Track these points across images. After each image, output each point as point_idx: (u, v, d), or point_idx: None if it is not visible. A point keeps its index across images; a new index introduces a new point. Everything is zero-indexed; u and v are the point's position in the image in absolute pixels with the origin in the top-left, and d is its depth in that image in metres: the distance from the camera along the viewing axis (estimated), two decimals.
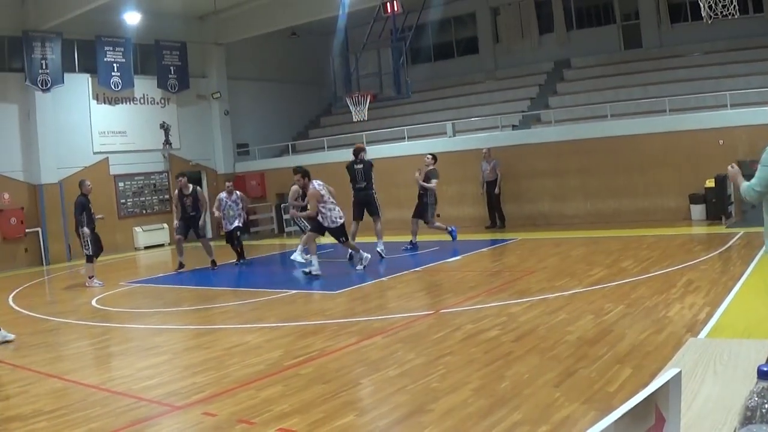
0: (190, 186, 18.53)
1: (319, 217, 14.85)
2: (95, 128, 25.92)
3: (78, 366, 9.55)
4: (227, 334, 10.48)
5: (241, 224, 18.51)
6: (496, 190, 21.62)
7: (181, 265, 18.33)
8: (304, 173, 14.98)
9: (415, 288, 12.83)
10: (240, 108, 30.41)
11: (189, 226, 18.41)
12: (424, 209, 18.45)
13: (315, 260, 15.01)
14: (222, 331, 10.58)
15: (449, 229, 18.76)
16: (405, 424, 5.92)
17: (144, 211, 27.38)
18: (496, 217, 22.01)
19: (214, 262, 18.38)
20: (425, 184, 18.16)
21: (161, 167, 28.01)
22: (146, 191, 27.51)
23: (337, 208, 15.05)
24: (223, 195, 18.52)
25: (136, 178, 27.17)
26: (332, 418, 6.21)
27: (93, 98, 25.93)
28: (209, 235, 21.25)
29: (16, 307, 14.35)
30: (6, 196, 23.25)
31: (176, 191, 18.59)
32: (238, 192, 18.85)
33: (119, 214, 26.48)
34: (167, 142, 28.15)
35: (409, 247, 18.17)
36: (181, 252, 18.49)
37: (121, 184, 26.60)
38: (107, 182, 26.00)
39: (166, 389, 7.70)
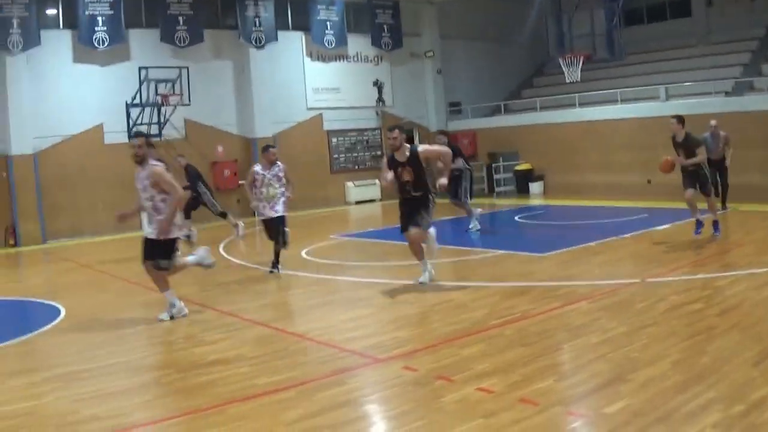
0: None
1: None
2: (309, 85, 26.51)
3: (283, 315, 9.72)
4: (432, 290, 10.40)
5: (284, 211, 12.83)
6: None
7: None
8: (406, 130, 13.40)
9: (621, 255, 12.44)
10: (452, 67, 30.26)
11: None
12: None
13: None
14: (427, 288, 10.48)
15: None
16: (602, 393, 5.78)
17: (356, 167, 27.77)
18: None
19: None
20: None
21: (374, 124, 28.28)
22: (359, 147, 27.90)
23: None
24: (258, 168, 12.91)
25: (349, 134, 27.67)
26: (531, 380, 6.16)
27: (307, 55, 26.56)
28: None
29: (227, 256, 14.73)
30: (220, 149, 24.16)
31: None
32: (280, 163, 12.96)
33: (332, 168, 27.09)
34: (380, 99, 28.37)
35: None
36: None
37: (334, 140, 27.11)
38: (320, 137, 26.64)
39: (369, 342, 7.82)
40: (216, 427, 5.61)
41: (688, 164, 12.78)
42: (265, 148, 12.99)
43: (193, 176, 17.81)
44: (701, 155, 12.79)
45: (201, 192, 17.77)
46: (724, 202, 17.13)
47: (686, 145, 12.80)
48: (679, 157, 12.99)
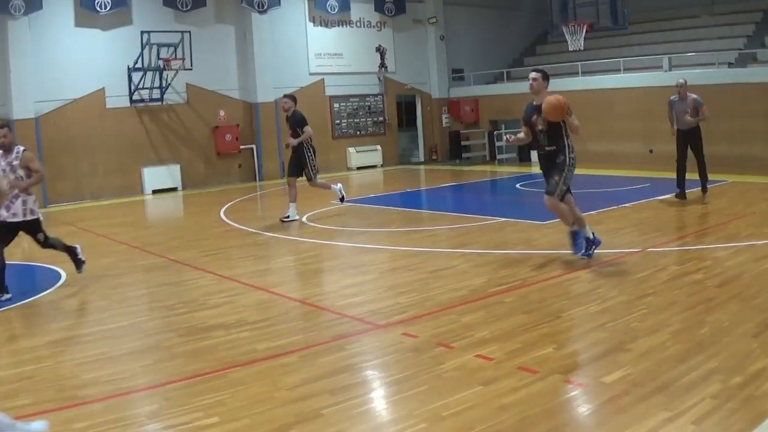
0: None
1: None
2: (311, 50, 26.32)
3: (284, 280, 9.73)
4: (433, 257, 10.49)
5: (32, 214, 9.76)
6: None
7: None
8: None
9: (622, 224, 12.41)
10: (455, 33, 30.05)
11: None
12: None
13: None
14: (428, 254, 10.56)
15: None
16: (602, 362, 5.81)
17: (358, 132, 27.63)
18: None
19: None
20: None
21: (376, 90, 28.13)
22: (361, 113, 27.78)
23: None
24: None
25: (351, 99, 27.49)
26: (530, 348, 6.19)
27: (309, 20, 26.35)
28: None
29: (227, 220, 14.76)
30: (222, 113, 24.05)
31: None
32: (20, 147, 9.46)
33: (333, 134, 26.94)
34: (383, 65, 28.20)
35: None
36: None
37: (336, 105, 27.00)
38: (323, 103, 26.50)
39: (369, 307, 7.87)
40: (217, 391, 5.63)
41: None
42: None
43: None
44: None
45: None
46: (704, 185, 14.86)
47: None
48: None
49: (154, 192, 22.54)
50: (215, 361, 6.36)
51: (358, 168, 27.03)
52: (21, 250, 13.59)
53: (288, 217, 14.30)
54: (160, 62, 22.01)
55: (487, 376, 5.59)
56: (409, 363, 6.05)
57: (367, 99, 28.00)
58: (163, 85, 22.66)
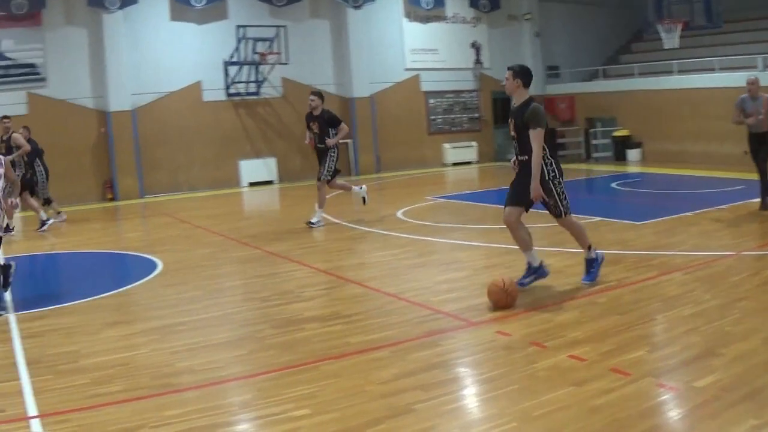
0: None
1: None
2: (407, 45, 26.27)
3: (378, 274, 9.67)
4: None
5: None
6: None
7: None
8: None
9: (716, 226, 12.01)
10: (550, 30, 29.68)
11: None
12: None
13: None
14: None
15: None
16: (694, 366, 5.64)
17: (453, 129, 27.45)
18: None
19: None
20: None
21: (471, 86, 27.94)
22: (456, 109, 27.63)
23: None
24: None
25: (446, 95, 27.37)
26: (623, 350, 6.05)
27: (405, 16, 26.27)
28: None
29: (324, 215, 14.75)
30: None
31: None
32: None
33: (429, 130, 26.82)
34: (478, 61, 27.97)
35: None
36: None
37: (431, 101, 26.93)
38: (418, 98, 26.49)
39: (463, 304, 7.74)
40: (308, 383, 5.60)
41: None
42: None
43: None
44: None
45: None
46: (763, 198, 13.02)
47: None
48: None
49: (251, 185, 22.78)
50: (308, 353, 6.34)
51: (454, 164, 26.87)
52: (115, 240, 13.86)
53: (315, 222, 13.65)
54: (256, 56, 22.24)
55: (579, 377, 5.47)
56: (501, 361, 5.96)
57: (462, 95, 27.83)
58: (260, 78, 22.88)
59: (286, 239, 12.49)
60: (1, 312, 8.24)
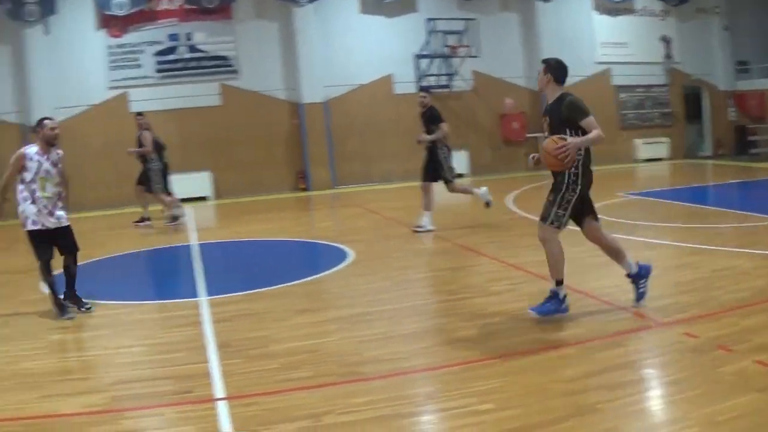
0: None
1: None
2: (597, 39, 25.75)
3: (569, 271, 9.44)
4: (718, 255, 9.92)
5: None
6: None
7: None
8: None
9: None
10: (740, 24, 28.31)
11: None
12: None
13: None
14: (713, 252, 9.99)
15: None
16: None
17: (644, 124, 26.74)
18: None
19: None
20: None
21: (661, 80, 27.14)
22: (647, 104, 26.90)
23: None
24: (31, 150, 8.32)
25: (636, 89, 26.69)
26: None
27: (594, 9, 25.93)
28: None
29: (514, 208, 14.70)
30: (508, 101, 24.05)
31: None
32: (60, 152, 8.56)
33: (620, 125, 26.17)
34: (668, 55, 27.10)
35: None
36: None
37: (622, 95, 26.31)
38: (608, 93, 25.96)
39: (651, 304, 7.53)
40: (493, 378, 5.60)
41: None
42: (40, 122, 8.43)
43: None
44: None
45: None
46: None
47: None
48: None
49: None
50: (493, 347, 6.34)
51: (645, 160, 26.21)
52: (307, 229, 14.27)
53: (421, 227, 12.95)
54: (446, 49, 22.36)
55: (765, 383, 5.25)
56: (687, 363, 5.80)
57: (652, 90, 27.06)
58: (451, 71, 23.00)
59: (475, 233, 12.57)
60: (86, 306, 8.48)
